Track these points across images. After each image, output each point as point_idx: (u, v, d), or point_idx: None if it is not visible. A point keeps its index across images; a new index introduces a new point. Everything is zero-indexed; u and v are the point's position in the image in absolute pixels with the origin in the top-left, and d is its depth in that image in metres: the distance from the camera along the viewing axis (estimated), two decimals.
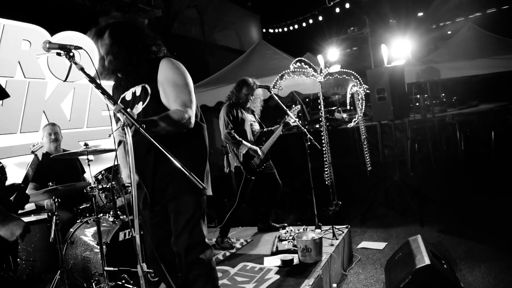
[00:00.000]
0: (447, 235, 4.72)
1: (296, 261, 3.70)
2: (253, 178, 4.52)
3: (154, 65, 2.31)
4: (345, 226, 4.46)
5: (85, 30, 5.40)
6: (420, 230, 4.94)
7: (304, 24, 11.30)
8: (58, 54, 2.05)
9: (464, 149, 8.81)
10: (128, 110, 1.84)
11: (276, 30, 12.39)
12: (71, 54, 2.04)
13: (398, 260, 3.60)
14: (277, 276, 3.47)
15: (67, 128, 4.78)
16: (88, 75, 1.97)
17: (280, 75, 6.49)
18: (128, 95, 2.42)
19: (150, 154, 2.32)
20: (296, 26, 11.55)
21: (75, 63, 2.00)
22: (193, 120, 2.22)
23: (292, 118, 4.43)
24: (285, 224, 4.86)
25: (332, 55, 6.81)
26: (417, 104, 12.41)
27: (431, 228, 5.00)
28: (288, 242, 4.11)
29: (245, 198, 4.58)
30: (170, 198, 2.36)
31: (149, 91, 2.30)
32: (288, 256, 3.74)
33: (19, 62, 4.83)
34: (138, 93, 2.36)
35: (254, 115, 4.76)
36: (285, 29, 12.05)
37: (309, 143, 4.31)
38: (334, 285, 3.37)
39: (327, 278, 3.56)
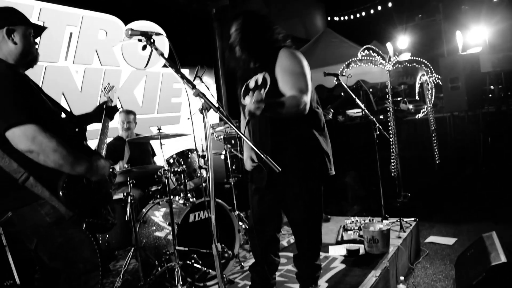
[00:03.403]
0: None
1: (362, 251, 3.66)
2: None
3: (274, 54, 2.47)
4: (413, 219, 4.33)
5: (156, 19, 5.61)
6: (494, 227, 4.68)
7: (371, 11, 10.92)
8: (140, 40, 2.12)
9: None
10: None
11: (342, 18, 12.08)
12: (152, 40, 2.11)
13: (470, 256, 3.44)
14: (343, 266, 3.45)
15: (139, 114, 4.97)
16: (168, 60, 2.04)
17: (346, 63, 6.37)
18: (251, 83, 2.60)
19: (267, 136, 2.51)
20: (363, 14, 11.20)
21: (156, 49, 2.08)
22: (307, 107, 2.34)
23: (361, 107, 4.33)
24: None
25: (401, 42, 6.59)
26: (490, 95, 11.64)
27: (506, 226, 4.72)
28: (354, 232, 4.06)
29: None
30: (288, 181, 2.51)
31: (268, 79, 2.45)
32: (354, 246, 3.70)
33: (96, 51, 5.09)
34: (260, 81, 2.52)
35: None
36: (352, 16, 11.73)
37: (378, 133, 4.19)
38: (402, 277, 3.28)
39: (394, 271, 3.49)
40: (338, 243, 3.98)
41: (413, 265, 3.95)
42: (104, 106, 2.80)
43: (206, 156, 3.78)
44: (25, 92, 1.91)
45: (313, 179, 2.55)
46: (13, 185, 1.85)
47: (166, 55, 2.09)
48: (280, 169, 1.78)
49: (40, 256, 2.02)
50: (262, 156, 1.78)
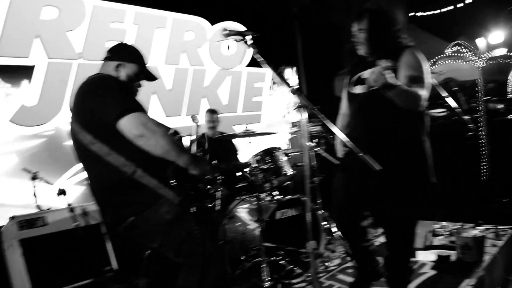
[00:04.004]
0: None
1: (453, 258, 3.47)
2: None
3: (397, 52, 2.53)
4: (510, 226, 4.04)
5: (239, 19, 5.75)
6: None
7: (459, 5, 10.28)
8: (236, 40, 2.19)
9: None
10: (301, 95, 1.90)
11: (426, 13, 11.51)
12: (246, 40, 2.16)
13: None
14: (433, 272, 3.30)
15: (222, 113, 5.11)
16: (264, 59, 2.08)
17: (433, 60, 6.10)
18: (366, 74, 2.59)
19: (368, 128, 2.56)
20: (449, 7, 10.57)
21: (253, 48, 2.12)
22: (423, 103, 2.41)
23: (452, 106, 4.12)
24: None
25: (494, 37, 6.17)
26: None
27: None
28: (444, 237, 3.87)
29: None
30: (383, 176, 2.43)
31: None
32: (444, 252, 3.52)
33: (183, 51, 5.31)
34: None
35: None
36: (436, 11, 11.12)
37: (471, 133, 3.96)
38: None
39: (490, 281, 3.27)
40: (426, 248, 3.82)
41: (510, 276, 3.68)
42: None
43: (300, 153, 3.87)
44: (132, 93, 2.07)
45: (409, 179, 2.49)
46: (127, 186, 1.98)
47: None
48: (378, 167, 1.75)
49: (163, 252, 2.14)
50: (360, 154, 1.76)
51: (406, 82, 2.39)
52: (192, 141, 3.60)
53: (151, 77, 2.40)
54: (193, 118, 3.84)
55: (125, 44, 2.38)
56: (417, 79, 2.41)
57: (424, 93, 2.39)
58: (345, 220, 2.75)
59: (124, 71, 2.22)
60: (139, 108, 1.95)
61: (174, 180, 2.03)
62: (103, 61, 2.27)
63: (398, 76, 2.45)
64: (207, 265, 2.06)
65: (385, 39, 2.56)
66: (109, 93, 1.99)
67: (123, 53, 2.28)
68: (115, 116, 1.88)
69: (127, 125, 1.88)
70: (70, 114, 2.14)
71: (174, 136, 2.49)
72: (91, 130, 1.99)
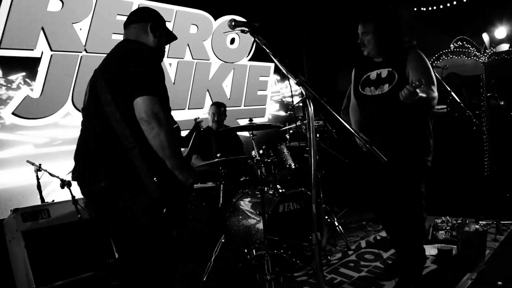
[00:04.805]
0: None
1: (454, 252, 3.49)
2: None
3: (403, 54, 2.74)
4: (511, 221, 4.05)
5: (244, 14, 5.70)
6: None
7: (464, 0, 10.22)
8: (243, 31, 2.18)
9: None
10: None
11: (430, 8, 11.45)
12: (254, 31, 2.16)
13: None
14: (434, 266, 3.33)
15: (227, 106, 5.10)
16: (270, 50, 2.07)
17: (436, 55, 6.10)
18: (372, 75, 2.89)
19: (390, 126, 2.73)
20: (454, 3, 10.52)
21: (259, 39, 2.12)
22: (435, 102, 2.61)
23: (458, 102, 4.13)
24: None
25: (499, 32, 6.15)
26: None
27: None
28: (446, 232, 3.88)
29: None
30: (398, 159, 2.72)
31: (396, 75, 2.73)
32: (446, 247, 3.55)
33: (188, 45, 5.30)
34: (383, 76, 2.81)
35: None
36: (441, 6, 11.06)
37: (474, 128, 3.97)
38: (499, 282, 3.08)
39: (491, 274, 3.29)
40: (428, 242, 3.83)
41: None
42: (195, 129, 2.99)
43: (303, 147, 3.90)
44: (162, 75, 2.03)
45: (413, 171, 2.73)
46: (118, 159, 1.91)
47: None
48: (386, 159, 1.77)
49: (128, 244, 2.04)
50: (367, 145, 1.79)
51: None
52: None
53: (173, 37, 2.39)
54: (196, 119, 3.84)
55: (145, 7, 2.34)
56: (429, 81, 2.55)
57: (436, 94, 2.56)
58: (383, 205, 2.99)
59: (159, 32, 2.21)
60: (160, 95, 1.91)
61: (159, 177, 1.93)
62: (130, 25, 2.23)
63: (405, 75, 2.64)
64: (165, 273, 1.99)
65: (388, 41, 2.76)
66: (143, 68, 1.95)
67: (154, 14, 2.27)
68: (136, 92, 1.86)
69: (140, 105, 1.85)
70: (100, 65, 2.12)
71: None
72: (113, 91, 1.95)
